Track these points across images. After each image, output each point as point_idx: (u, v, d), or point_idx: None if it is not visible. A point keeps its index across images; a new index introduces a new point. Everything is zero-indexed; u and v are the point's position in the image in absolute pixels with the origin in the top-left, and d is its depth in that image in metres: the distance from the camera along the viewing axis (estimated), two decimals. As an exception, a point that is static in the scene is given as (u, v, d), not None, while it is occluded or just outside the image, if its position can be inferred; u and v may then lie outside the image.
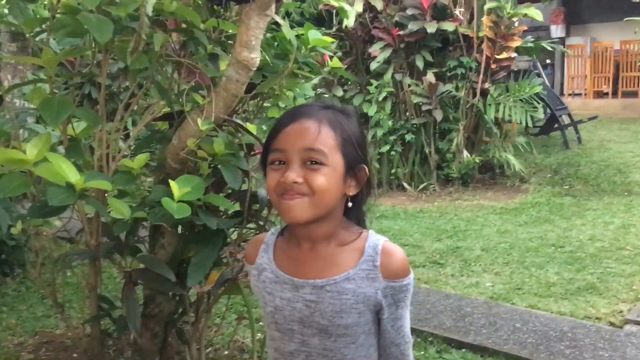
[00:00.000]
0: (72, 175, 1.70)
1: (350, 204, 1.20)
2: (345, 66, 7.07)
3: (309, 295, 1.16)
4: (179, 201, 1.83)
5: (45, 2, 2.40)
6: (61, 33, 1.94)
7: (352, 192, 1.19)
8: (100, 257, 2.23)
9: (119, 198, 2.05)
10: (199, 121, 1.98)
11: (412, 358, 1.24)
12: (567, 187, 6.64)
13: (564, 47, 11.84)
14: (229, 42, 2.31)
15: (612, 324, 3.33)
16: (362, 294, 1.15)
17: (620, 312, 3.46)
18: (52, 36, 2.05)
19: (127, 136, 2.45)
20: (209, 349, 2.97)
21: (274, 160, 1.16)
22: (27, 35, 2.15)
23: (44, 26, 2.08)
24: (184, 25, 2.13)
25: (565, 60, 13.31)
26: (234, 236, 2.27)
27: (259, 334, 2.84)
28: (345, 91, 7.29)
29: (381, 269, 1.16)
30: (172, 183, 1.84)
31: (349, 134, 1.17)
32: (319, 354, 1.18)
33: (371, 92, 6.91)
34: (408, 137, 6.71)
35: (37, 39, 2.19)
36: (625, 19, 9.99)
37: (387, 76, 6.81)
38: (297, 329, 1.18)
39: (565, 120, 8.96)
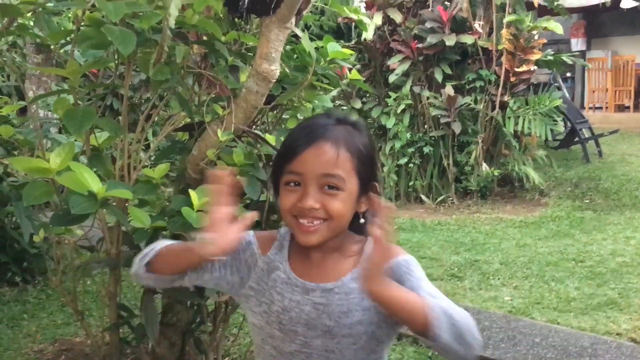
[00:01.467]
0: (94, 184, 1.73)
1: (362, 220, 1.22)
2: (364, 78, 7.08)
3: (318, 298, 1.18)
4: (198, 210, 1.85)
5: (70, 15, 2.46)
6: (85, 45, 1.98)
7: (363, 209, 1.21)
8: (120, 265, 2.26)
9: (140, 207, 2.07)
10: (219, 132, 2.01)
11: (443, 298, 1.13)
12: (587, 201, 6.56)
13: (585, 61, 11.76)
14: (249, 54, 2.34)
15: (633, 340, 3.28)
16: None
17: (642, 328, 3.41)
18: (76, 48, 2.10)
19: (147, 147, 2.49)
20: (226, 358, 2.98)
21: (289, 181, 1.16)
22: (52, 47, 2.20)
23: (68, 38, 2.13)
24: (205, 38, 2.16)
25: (586, 73, 13.20)
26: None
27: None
28: (363, 103, 7.30)
29: None
30: (191, 193, 1.86)
31: (364, 153, 1.19)
32: (320, 355, 1.19)
33: (389, 104, 6.91)
34: (426, 149, 6.70)
35: (62, 50, 2.23)
36: (647, 32, 9.91)
37: (406, 89, 6.82)
38: (301, 331, 1.19)
39: (586, 133, 8.88)
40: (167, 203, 2.19)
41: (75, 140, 2.28)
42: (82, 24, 1.99)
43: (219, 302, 2.39)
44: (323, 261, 1.22)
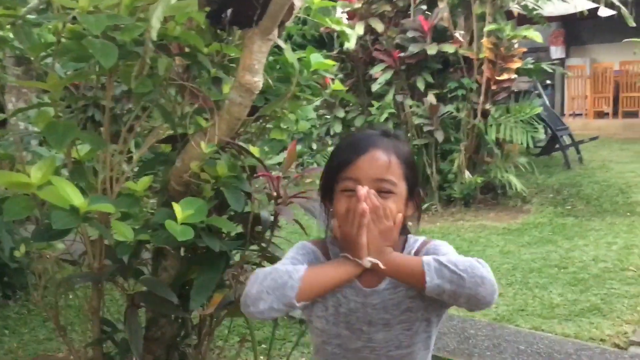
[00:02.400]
0: (76, 198, 1.71)
1: (410, 224, 1.36)
2: (347, 88, 7.11)
3: (376, 300, 1.30)
4: (182, 223, 1.84)
5: (50, 27, 2.44)
6: (66, 57, 1.96)
7: (410, 213, 1.33)
8: (103, 279, 2.23)
9: (123, 220, 2.05)
10: (202, 144, 2.00)
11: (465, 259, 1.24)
12: (569, 207, 6.63)
13: (564, 68, 11.91)
14: (232, 65, 2.33)
15: (616, 345, 3.31)
16: None
17: (625, 333, 3.44)
18: (57, 60, 2.07)
19: (130, 159, 2.46)
20: (211, 372, 2.95)
21: (346, 189, 1.25)
22: (32, 59, 2.17)
23: (49, 50, 2.10)
24: (187, 50, 2.15)
25: (566, 81, 13.39)
26: (237, 258, 2.27)
27: (262, 357, 2.82)
28: (347, 112, 7.33)
29: (415, 253, 1.34)
30: (175, 205, 1.85)
31: (409, 161, 1.31)
32: (382, 347, 1.32)
33: (373, 113, 6.94)
34: (410, 158, 6.72)
35: (42, 63, 2.21)
36: (624, 40, 10.07)
37: (389, 97, 6.85)
38: (366, 329, 1.31)
39: (567, 140, 8.99)
40: (151, 216, 2.18)
41: (56, 153, 2.25)
42: (63, 36, 1.97)
43: (203, 315, 2.37)
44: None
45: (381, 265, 1.22)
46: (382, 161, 1.25)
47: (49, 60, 2.12)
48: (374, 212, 1.20)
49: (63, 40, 1.96)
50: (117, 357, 2.55)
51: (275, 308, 1.21)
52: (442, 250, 1.33)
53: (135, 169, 2.40)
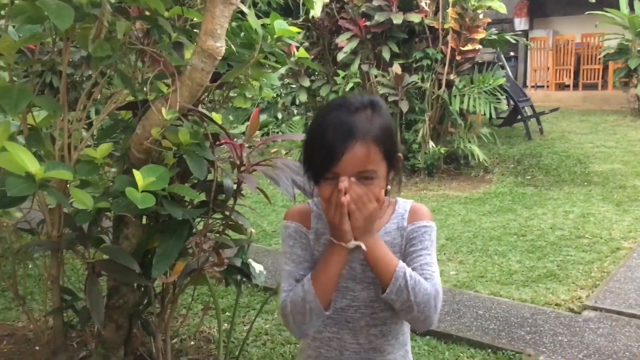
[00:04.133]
0: (32, 165, 1.66)
1: (389, 187, 1.34)
2: (312, 56, 7.07)
3: (361, 255, 1.30)
4: (143, 191, 1.81)
5: (3, -13, 2.34)
6: (20, 19, 1.89)
7: (391, 178, 1.33)
8: (62, 248, 2.19)
9: (82, 188, 2.01)
10: (164, 110, 1.96)
11: (430, 270, 1.33)
12: (529, 177, 6.78)
13: (527, 40, 12.05)
14: (194, 30, 2.28)
15: (571, 309, 3.43)
16: (397, 245, 1.36)
17: (579, 298, 3.56)
18: (10, 22, 2.00)
19: (90, 125, 2.41)
20: (175, 339, 2.96)
21: (328, 179, 1.26)
22: (-16, 21, 2.09)
23: (1, 12, 2.02)
24: (147, 13, 2.09)
25: (529, 52, 13.54)
26: (200, 226, 2.26)
27: (225, 324, 2.83)
28: (312, 81, 7.28)
29: (408, 219, 1.39)
30: (135, 173, 1.82)
31: (387, 135, 1.28)
32: (366, 306, 1.36)
33: (338, 82, 6.92)
34: (374, 127, 6.74)
35: (-5, 25, 2.12)
36: (586, 13, 10.21)
37: (354, 67, 6.83)
38: (351, 286, 1.36)
39: (528, 111, 9.14)
40: (111, 184, 2.14)
41: (11, 119, 2.18)
42: (16, -3, 1.89)
43: (166, 283, 2.36)
44: None
45: (364, 247, 1.26)
46: (361, 155, 1.24)
47: (1, 22, 2.04)
48: (358, 201, 1.23)
49: (16, 1, 1.89)
50: (77, 325, 2.54)
51: (319, 323, 1.33)
52: (426, 241, 1.36)
53: (95, 136, 2.35)
